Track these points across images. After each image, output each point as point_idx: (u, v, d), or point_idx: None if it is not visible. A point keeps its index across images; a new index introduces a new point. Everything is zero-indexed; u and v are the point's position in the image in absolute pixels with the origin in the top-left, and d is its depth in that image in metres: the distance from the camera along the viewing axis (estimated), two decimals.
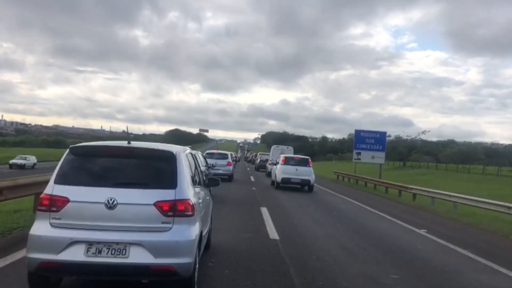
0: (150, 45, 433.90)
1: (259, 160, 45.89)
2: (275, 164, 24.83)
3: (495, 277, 6.95)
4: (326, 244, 8.41)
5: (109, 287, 5.26)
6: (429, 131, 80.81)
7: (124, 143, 5.16)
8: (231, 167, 25.38)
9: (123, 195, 4.62)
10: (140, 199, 4.64)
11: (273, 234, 8.90)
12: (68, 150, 5.02)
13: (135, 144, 5.23)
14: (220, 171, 22.32)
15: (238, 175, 30.44)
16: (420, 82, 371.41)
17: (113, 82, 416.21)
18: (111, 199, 4.56)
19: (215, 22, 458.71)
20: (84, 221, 4.55)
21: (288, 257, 6.99)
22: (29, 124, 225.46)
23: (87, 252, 4.44)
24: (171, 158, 5.03)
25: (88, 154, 5.14)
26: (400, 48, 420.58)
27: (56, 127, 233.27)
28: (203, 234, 5.63)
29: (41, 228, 4.60)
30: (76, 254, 4.43)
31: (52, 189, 4.67)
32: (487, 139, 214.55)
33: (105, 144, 5.49)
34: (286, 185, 21.96)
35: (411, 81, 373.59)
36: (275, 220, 10.76)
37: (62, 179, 4.75)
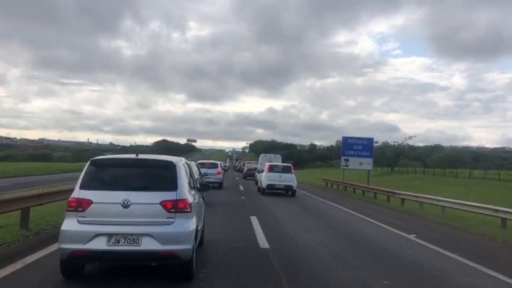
0: (134, 55, 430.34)
1: (246, 168, 47.06)
2: (261, 172, 26.22)
3: (484, 280, 7.00)
4: (317, 252, 8.41)
5: (125, 272, 6.31)
6: (415, 136, 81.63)
7: (133, 156, 6.36)
8: (221, 175, 27.13)
9: (135, 196, 5.74)
10: (148, 199, 5.77)
11: (263, 243, 8.87)
12: (89, 162, 6.14)
13: (142, 156, 6.45)
14: (211, 179, 23.17)
15: (227, 184, 30.81)
16: (406, 88, 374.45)
17: (98, 94, 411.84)
18: (126, 200, 5.67)
19: (199, 31, 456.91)
20: (104, 218, 5.65)
21: (279, 266, 6.97)
22: (15, 138, 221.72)
23: (108, 242, 5.54)
24: (171, 167, 6.20)
25: (105, 165, 6.32)
26: (385, 54, 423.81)
27: (42, 141, 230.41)
28: (199, 228, 6.80)
29: (70, 224, 5.67)
30: (99, 244, 5.52)
31: (78, 193, 5.78)
32: (473, 143, 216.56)
33: (118, 157, 6.83)
34: (271, 191, 23.29)
35: (397, 87, 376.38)
36: (265, 228, 10.72)
37: (85, 185, 5.86)
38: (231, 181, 37.53)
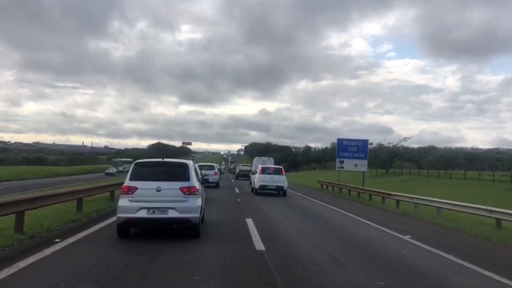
0: (126, 57, 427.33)
1: (238, 170, 54.28)
2: (255, 174, 27.88)
3: (480, 281, 7.03)
4: (312, 253, 8.40)
5: (155, 233, 9.81)
6: (410, 137, 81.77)
7: (160, 160, 10.11)
8: (217, 176, 30.76)
9: (164, 184, 9.05)
10: (172, 186, 9.09)
11: (259, 245, 8.86)
12: (134, 163, 9.72)
13: (166, 160, 10.24)
14: (209, 179, 25.22)
15: (223, 186, 31.31)
16: (400, 90, 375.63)
17: (92, 96, 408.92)
18: (158, 187, 8.98)
19: (191, 33, 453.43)
20: (145, 198, 8.91)
21: (274, 268, 6.96)
22: (8, 142, 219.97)
23: (148, 213, 8.83)
24: (185, 166, 9.68)
25: (144, 165, 9.77)
26: (379, 57, 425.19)
27: (36, 144, 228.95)
28: (202, 206, 10.37)
29: (124, 202, 8.94)
30: (142, 214, 8.82)
31: (129, 183, 9.08)
32: (467, 145, 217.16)
33: (152, 160, 10.39)
34: (263, 191, 24.95)
35: (391, 89, 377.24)
36: (261, 231, 10.72)
37: (133, 178, 9.18)
38: (226, 183, 37.61)
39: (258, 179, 25.42)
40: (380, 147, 71.43)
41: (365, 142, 36.49)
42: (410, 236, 11.21)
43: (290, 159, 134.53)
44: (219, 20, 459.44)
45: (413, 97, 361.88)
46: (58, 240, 8.61)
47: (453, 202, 16.71)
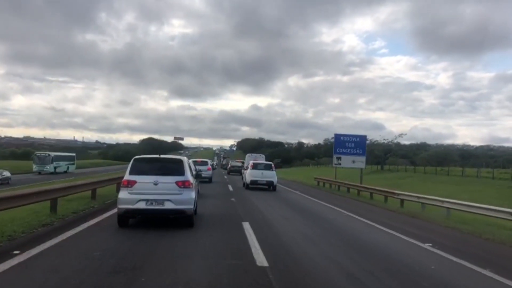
0: (117, 52, 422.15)
1: (230, 165, 57.98)
2: (246, 169, 29.01)
3: None
4: (326, 270, 6.93)
5: (153, 223, 10.33)
6: (405, 134, 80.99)
7: (157, 156, 10.81)
8: (210, 172, 32.15)
9: (161, 178, 9.72)
10: (168, 180, 9.76)
11: (260, 259, 7.28)
12: (133, 159, 10.26)
13: (163, 156, 11.04)
14: (203, 175, 26.28)
15: (216, 183, 30.10)
16: (392, 87, 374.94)
17: (81, 91, 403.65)
18: (155, 181, 9.66)
19: (180, 27, 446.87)
20: (144, 191, 9.60)
21: None
22: None
23: (146, 204, 9.57)
24: (180, 161, 10.42)
25: (143, 160, 10.39)
26: (372, 53, 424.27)
27: (27, 139, 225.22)
28: (196, 199, 11.00)
29: (124, 194, 9.67)
30: (141, 205, 9.56)
31: (128, 177, 9.75)
32: (458, 141, 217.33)
33: (150, 156, 11.01)
34: (254, 185, 25.85)
35: (383, 86, 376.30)
36: (261, 238, 9.15)
37: (132, 172, 9.83)
38: (219, 179, 36.63)
39: (249, 174, 26.28)
40: (373, 143, 70.37)
41: (363, 138, 35.24)
42: (430, 244, 9.80)
43: (283, 155, 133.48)
44: (209, 13, 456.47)
45: (405, 93, 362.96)
46: (17, 252, 7.05)
47: (467, 203, 15.36)
